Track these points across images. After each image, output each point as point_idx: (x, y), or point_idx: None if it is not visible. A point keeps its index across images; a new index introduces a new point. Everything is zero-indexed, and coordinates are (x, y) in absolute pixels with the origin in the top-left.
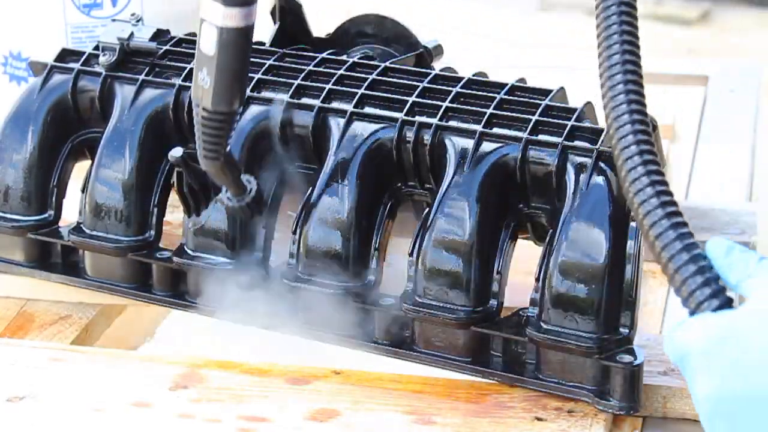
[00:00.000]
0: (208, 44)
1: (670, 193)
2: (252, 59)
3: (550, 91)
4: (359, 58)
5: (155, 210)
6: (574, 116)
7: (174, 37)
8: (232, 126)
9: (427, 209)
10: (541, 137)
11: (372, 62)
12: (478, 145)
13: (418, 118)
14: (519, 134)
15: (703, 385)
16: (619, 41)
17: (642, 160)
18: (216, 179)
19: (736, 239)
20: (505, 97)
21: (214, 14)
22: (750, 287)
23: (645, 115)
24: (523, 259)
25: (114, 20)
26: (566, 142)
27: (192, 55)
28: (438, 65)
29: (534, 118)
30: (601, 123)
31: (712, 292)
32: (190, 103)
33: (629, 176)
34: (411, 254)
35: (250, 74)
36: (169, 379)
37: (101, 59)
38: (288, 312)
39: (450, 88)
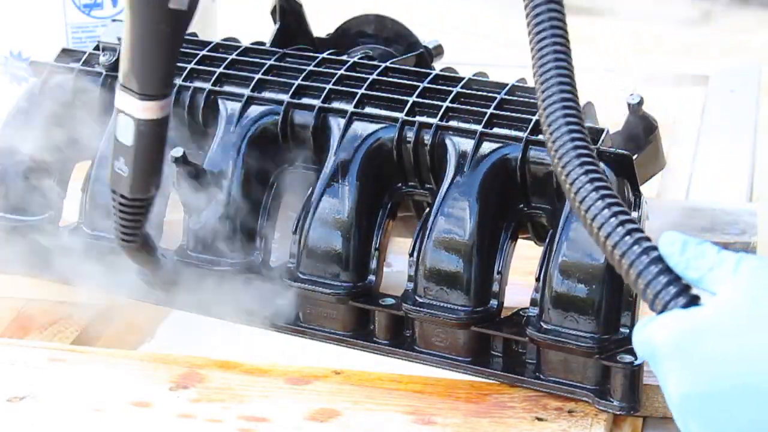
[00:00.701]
0: (125, 134)
1: (614, 196)
2: (252, 59)
3: None
4: (359, 58)
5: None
6: None
7: None
8: (150, 209)
9: (427, 209)
10: (542, 137)
11: (372, 62)
12: (478, 145)
13: (418, 118)
14: (519, 134)
15: (674, 383)
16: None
17: (580, 162)
18: (132, 260)
19: (737, 239)
20: (506, 97)
21: (131, 107)
22: (714, 281)
23: (576, 102)
24: (523, 259)
25: (114, 20)
26: None
27: (193, 55)
28: (438, 65)
29: (534, 118)
30: (601, 121)
31: (677, 291)
32: (190, 102)
33: (573, 187)
34: (411, 254)
35: (251, 74)
36: (169, 379)
37: (101, 59)
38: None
39: (450, 88)
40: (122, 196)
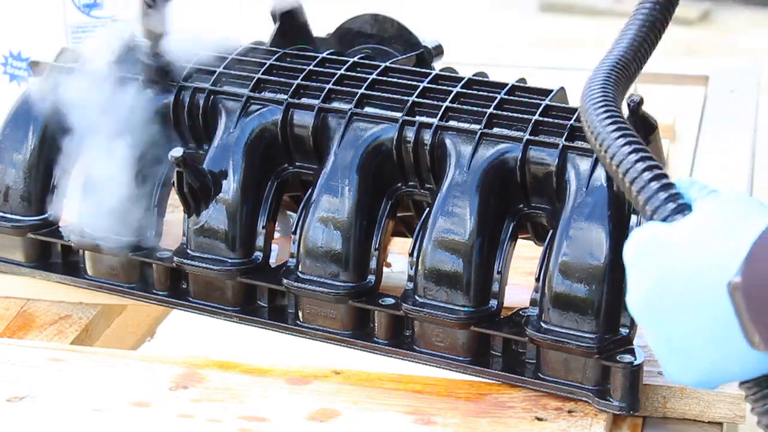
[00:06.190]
0: None
1: (634, 135)
2: (252, 59)
3: (550, 91)
4: (359, 58)
5: (156, 209)
6: (575, 116)
7: None
8: None
9: (427, 209)
10: (542, 137)
11: (372, 62)
12: (478, 145)
13: (418, 118)
14: (519, 134)
15: (631, 288)
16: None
17: (611, 120)
18: None
19: None
20: (506, 97)
21: None
22: (696, 206)
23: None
24: (523, 259)
25: (114, 20)
26: (567, 143)
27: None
28: (438, 65)
29: (534, 118)
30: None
31: (667, 197)
32: (190, 102)
33: (594, 131)
34: (411, 254)
35: (251, 74)
36: (169, 379)
37: None
38: None
39: (450, 88)
40: None
